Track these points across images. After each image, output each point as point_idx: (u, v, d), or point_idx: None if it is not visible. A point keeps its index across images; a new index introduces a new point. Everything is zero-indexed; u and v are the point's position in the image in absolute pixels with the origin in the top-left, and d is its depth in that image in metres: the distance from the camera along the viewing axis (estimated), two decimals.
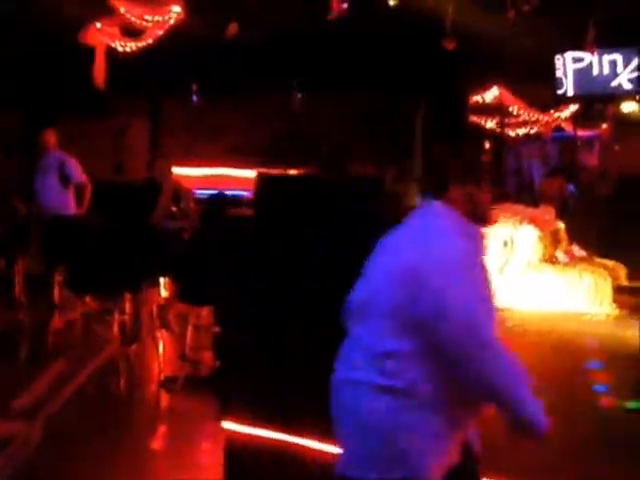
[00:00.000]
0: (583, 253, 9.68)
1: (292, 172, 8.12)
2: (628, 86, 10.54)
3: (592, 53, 10.09)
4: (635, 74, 10.41)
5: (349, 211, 3.68)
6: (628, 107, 10.96)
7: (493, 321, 2.23)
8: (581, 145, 14.99)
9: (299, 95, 12.75)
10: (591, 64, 10.53)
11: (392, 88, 10.96)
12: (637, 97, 10.65)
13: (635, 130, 12.42)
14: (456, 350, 2.13)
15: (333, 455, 3.29)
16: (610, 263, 9.55)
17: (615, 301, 8.94)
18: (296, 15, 9.12)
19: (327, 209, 3.75)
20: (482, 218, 2.34)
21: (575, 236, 9.91)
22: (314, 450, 3.71)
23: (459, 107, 10.80)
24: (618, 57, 10.38)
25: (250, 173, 8.44)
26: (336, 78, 10.77)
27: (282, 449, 3.73)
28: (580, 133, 14.47)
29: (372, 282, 2.30)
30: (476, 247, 2.31)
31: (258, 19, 9.32)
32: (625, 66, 10.39)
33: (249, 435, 3.78)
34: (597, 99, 11.15)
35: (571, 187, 12.26)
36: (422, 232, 2.26)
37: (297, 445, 3.74)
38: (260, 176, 4.22)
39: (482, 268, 2.29)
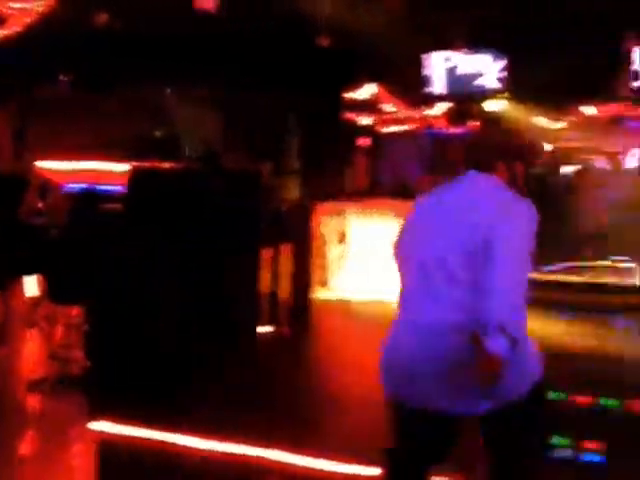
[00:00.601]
0: None
1: (166, 165, 7.97)
2: (496, 85, 10.99)
3: (460, 52, 10.51)
4: (503, 73, 10.88)
5: (223, 205, 3.65)
6: (496, 105, 11.42)
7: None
8: (454, 142, 15.47)
9: (168, 90, 12.55)
10: (459, 63, 10.92)
11: (265, 84, 10.94)
12: (505, 95, 11.09)
13: (500, 126, 12.98)
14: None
15: (211, 451, 3.25)
16: None
17: None
18: (168, 8, 8.97)
19: (201, 202, 3.70)
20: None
21: None
22: (190, 448, 3.66)
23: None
24: (486, 57, 10.81)
25: (123, 167, 8.20)
26: (208, 73, 10.66)
27: (158, 447, 3.65)
28: (452, 130, 14.93)
29: (450, 237, 2.58)
30: None
31: (130, 8, 9.10)
32: (493, 65, 10.82)
33: (122, 435, 3.68)
34: (465, 98, 11.55)
35: None
36: (492, 192, 2.70)
37: (173, 443, 3.67)
38: (133, 169, 4.12)
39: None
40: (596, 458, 4.01)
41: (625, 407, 4.87)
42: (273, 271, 7.54)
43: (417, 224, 2.80)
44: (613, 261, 11.05)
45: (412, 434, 2.72)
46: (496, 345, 2.35)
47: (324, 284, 9.50)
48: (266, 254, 7.32)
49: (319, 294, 9.26)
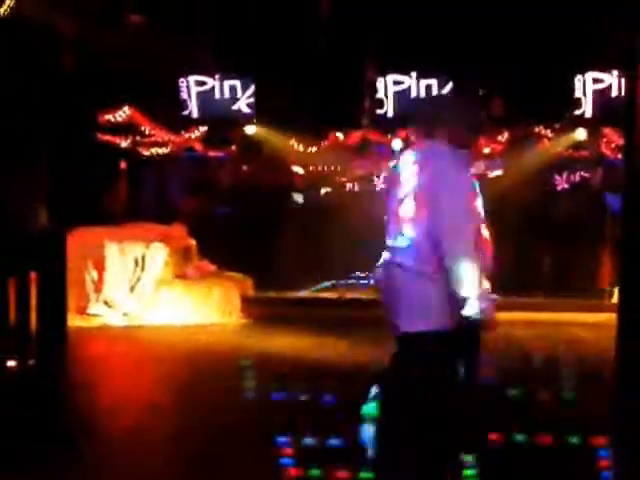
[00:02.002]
0: (213, 267, 10.13)
1: None
2: (246, 110, 11.36)
3: (213, 77, 10.76)
4: (252, 99, 11.26)
5: None
6: (251, 130, 11.77)
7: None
8: (213, 165, 15.68)
9: None
10: (214, 88, 11.16)
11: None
12: (255, 120, 11.48)
13: (259, 150, 13.33)
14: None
15: None
16: (238, 276, 10.13)
17: (243, 311, 9.54)
18: None
19: None
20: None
21: (207, 251, 10.35)
22: None
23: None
24: (237, 83, 11.15)
25: None
26: None
27: None
28: (212, 154, 15.14)
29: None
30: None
31: None
32: (243, 91, 11.18)
33: None
34: (220, 122, 11.80)
35: (223, 209, 12.85)
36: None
37: None
38: None
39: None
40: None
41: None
42: (21, 301, 7.17)
43: None
44: (359, 277, 11.79)
45: None
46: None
47: (82, 311, 9.20)
48: (12, 284, 6.95)
49: (76, 322, 8.95)
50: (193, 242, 10.29)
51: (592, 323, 8.50)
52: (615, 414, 2.97)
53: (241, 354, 7.22)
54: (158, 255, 9.28)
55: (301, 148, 12.60)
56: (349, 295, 10.98)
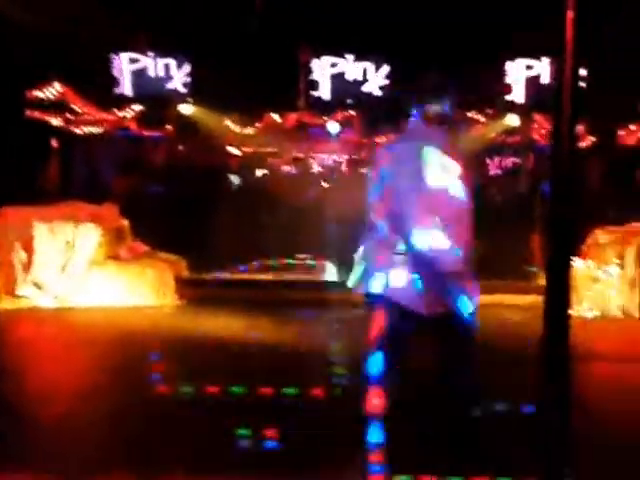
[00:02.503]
0: (146, 248, 9.99)
1: None
2: (182, 89, 11.20)
3: (146, 55, 10.58)
4: (187, 79, 11.10)
5: None
6: (187, 109, 11.59)
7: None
8: (148, 144, 15.45)
9: None
10: (147, 66, 10.95)
11: None
12: (192, 100, 11.32)
13: (195, 131, 13.19)
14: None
15: None
16: (172, 257, 10.02)
17: (177, 293, 9.45)
18: None
19: None
20: None
21: (140, 231, 10.19)
22: None
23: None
24: (171, 61, 10.96)
25: None
26: None
27: None
28: (146, 133, 14.91)
29: None
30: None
31: None
32: (178, 70, 11.01)
33: None
34: (155, 100, 11.60)
35: (156, 189, 12.65)
36: None
37: None
38: None
39: None
40: (274, 445, 4.28)
41: (304, 394, 5.24)
42: None
43: None
44: (298, 259, 11.81)
45: None
46: None
47: (10, 293, 8.98)
48: None
49: (3, 304, 8.75)
50: (126, 222, 10.11)
51: (520, 305, 8.74)
52: (538, 396, 3.06)
53: (174, 336, 7.18)
54: (90, 235, 9.10)
55: (237, 129, 12.50)
56: (285, 276, 10.99)
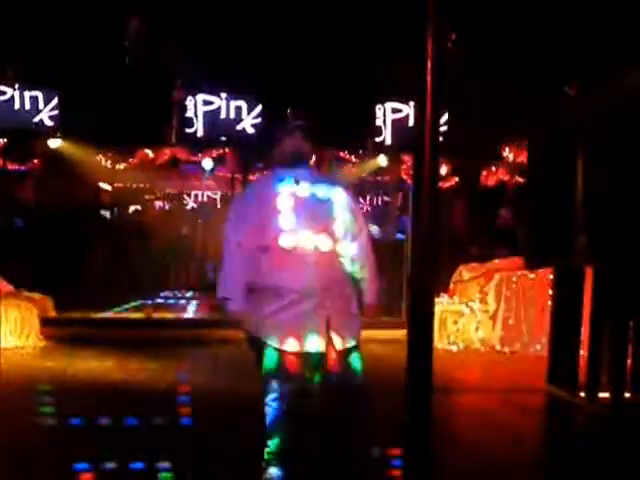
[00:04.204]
0: (9, 287, 9.57)
1: None
2: (49, 123, 10.88)
3: (13, 88, 10.28)
4: (55, 112, 10.82)
5: None
6: (55, 143, 11.26)
7: None
8: (13, 179, 14.85)
9: None
10: (13, 98, 10.60)
11: None
12: (59, 134, 11.01)
13: (64, 165, 12.81)
14: None
15: None
16: (37, 296, 9.65)
17: (42, 333, 9.10)
18: None
19: None
20: None
21: (4, 270, 9.75)
22: None
23: None
24: (39, 94, 10.66)
25: None
26: None
27: None
28: (11, 167, 14.33)
29: None
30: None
31: None
32: (46, 103, 10.70)
33: None
34: (21, 134, 11.20)
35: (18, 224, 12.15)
36: None
37: None
38: None
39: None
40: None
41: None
42: None
43: None
44: (165, 297, 11.67)
45: None
46: None
47: None
48: None
49: None
50: None
51: (389, 339, 8.97)
52: (404, 426, 3.16)
53: (38, 378, 6.89)
54: None
55: (109, 164, 12.27)
56: (156, 315, 10.80)
